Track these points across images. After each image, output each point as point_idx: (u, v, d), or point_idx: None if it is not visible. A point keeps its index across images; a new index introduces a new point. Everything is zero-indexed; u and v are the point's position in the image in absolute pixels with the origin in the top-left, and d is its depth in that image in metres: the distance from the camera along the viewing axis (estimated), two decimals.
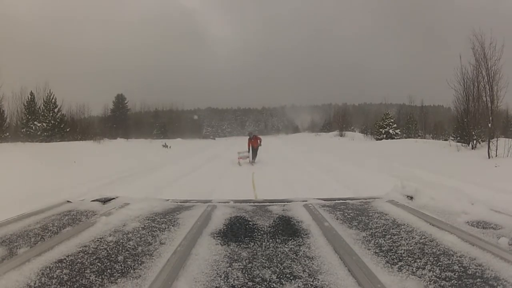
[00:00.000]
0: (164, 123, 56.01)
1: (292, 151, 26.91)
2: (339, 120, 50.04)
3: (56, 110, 29.11)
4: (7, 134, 24.76)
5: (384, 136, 35.27)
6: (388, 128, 35.47)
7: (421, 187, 1.78)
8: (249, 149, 14.44)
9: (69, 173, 13.46)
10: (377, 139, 34.79)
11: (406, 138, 34.31)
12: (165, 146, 31.21)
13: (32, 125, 26.97)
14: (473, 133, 17.43)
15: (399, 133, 36.16)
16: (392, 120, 36.95)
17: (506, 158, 13.94)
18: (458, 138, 19.92)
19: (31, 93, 29.39)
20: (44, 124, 27.26)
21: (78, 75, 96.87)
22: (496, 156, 14.70)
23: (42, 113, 28.30)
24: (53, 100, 29.42)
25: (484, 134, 16.75)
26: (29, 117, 28.28)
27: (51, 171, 12.93)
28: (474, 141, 17.48)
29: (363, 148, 26.48)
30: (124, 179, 12.42)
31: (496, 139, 15.34)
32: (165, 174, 13.61)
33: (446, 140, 19.94)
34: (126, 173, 13.92)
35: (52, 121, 27.88)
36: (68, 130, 28.52)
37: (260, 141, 14.61)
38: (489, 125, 15.55)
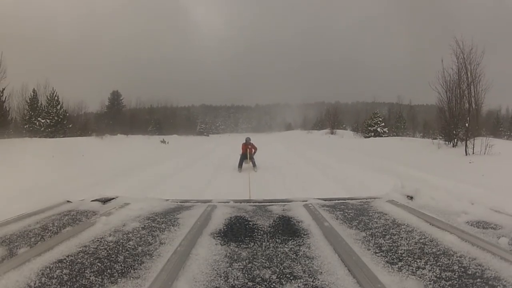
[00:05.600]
0: (159, 120, 56.35)
1: (281, 145, 29.22)
2: (330, 118, 51.58)
3: (58, 107, 30.16)
4: (10, 130, 25.59)
5: (372, 134, 36.61)
6: (376, 126, 37.00)
7: (421, 187, 1.82)
8: (245, 154, 12.61)
9: (86, 165, 14.49)
10: (366, 137, 36.13)
11: (394, 136, 35.83)
12: (163, 142, 32.33)
13: (36, 121, 27.98)
14: (454, 132, 18.65)
15: (387, 131, 37.73)
16: (380, 119, 38.48)
17: (481, 156, 14.97)
18: (443, 137, 21.22)
19: (34, 90, 30.46)
20: (48, 121, 28.34)
21: (71, 71, 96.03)
22: (473, 153, 15.97)
23: (46, 110, 29.34)
24: (56, 97, 30.47)
25: (464, 134, 18.10)
26: (32, 113, 29.26)
27: (67, 164, 13.94)
28: (455, 140, 18.74)
29: (350, 145, 27.97)
30: (139, 168, 13.70)
31: (473, 138, 16.67)
32: (173, 165, 14.90)
33: (435, 139, 21.20)
34: (139, 164, 15.28)
35: (56, 118, 28.96)
36: (70, 126, 29.62)
37: (255, 151, 13.09)
38: (466, 124, 16.87)
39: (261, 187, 9.14)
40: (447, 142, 19.57)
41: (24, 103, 29.96)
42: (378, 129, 36.81)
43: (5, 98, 25.45)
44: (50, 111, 29.23)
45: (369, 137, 35.68)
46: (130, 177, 11.20)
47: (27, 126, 28.15)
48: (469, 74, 17.94)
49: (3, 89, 24.73)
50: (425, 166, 13.03)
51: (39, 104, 30.65)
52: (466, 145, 16.42)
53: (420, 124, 45.18)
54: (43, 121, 28.13)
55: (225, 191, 8.46)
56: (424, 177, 10.13)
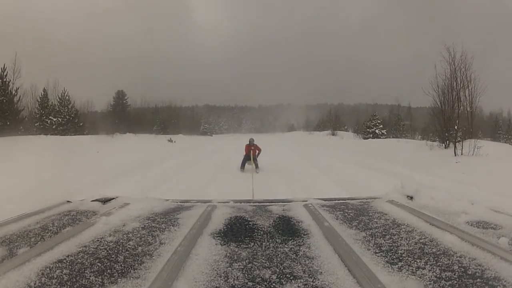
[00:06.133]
0: (164, 119, 57.10)
1: (283, 145, 31.18)
2: (331, 120, 52.77)
3: (70, 106, 31.59)
4: (21, 127, 26.79)
5: (371, 136, 37.80)
6: (374, 128, 38.26)
7: (421, 187, 1.82)
8: (248, 155, 12.49)
9: (102, 161, 16.05)
10: (364, 138, 37.23)
11: (393, 138, 36.87)
12: (170, 141, 33.79)
13: (47, 120, 29.39)
14: (446, 134, 19.60)
15: (385, 133, 38.92)
16: (378, 121, 39.78)
17: (469, 156, 16.01)
18: (437, 139, 22.07)
19: (44, 90, 31.93)
20: (60, 119, 29.71)
21: (74, 70, 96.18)
22: (461, 154, 16.92)
23: (58, 109, 30.81)
24: (67, 96, 31.92)
25: (459, 136, 19.17)
26: (42, 112, 30.59)
27: (84, 160, 15.52)
28: (447, 141, 19.64)
29: (348, 145, 29.75)
30: (151, 164, 15.20)
31: (462, 140, 17.65)
32: (180, 162, 16.08)
33: (434, 141, 22.17)
34: (151, 160, 16.70)
35: (67, 116, 30.33)
36: (81, 124, 31.04)
37: (259, 152, 12.95)
38: (456, 127, 17.89)
39: (262, 178, 10.26)
40: (440, 144, 20.44)
41: (34, 102, 31.35)
42: (377, 131, 37.98)
43: (20, 97, 26.80)
44: (62, 110, 30.65)
45: (367, 138, 36.76)
46: (143, 172, 12.34)
47: (37, 124, 29.43)
48: (458, 81, 19.02)
49: (17, 88, 26.09)
50: (413, 164, 14.09)
51: (49, 103, 31.93)
52: (455, 147, 17.48)
53: (421, 126, 46.00)
54: (54, 119, 29.57)
55: (228, 188, 9.14)
56: (408, 174, 11.32)
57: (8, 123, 23.76)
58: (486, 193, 7.57)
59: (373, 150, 22.57)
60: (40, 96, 31.82)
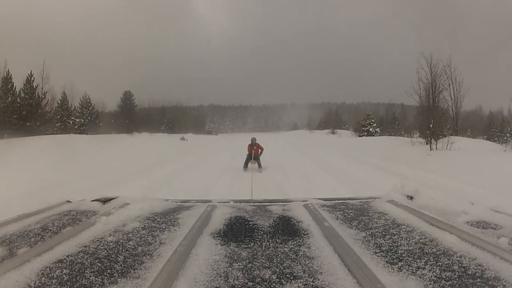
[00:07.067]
0: (171, 119, 58.90)
1: (284, 142, 34.09)
2: (332, 119, 55.49)
3: (90, 108, 34.60)
4: (42, 128, 29.45)
5: (365, 134, 40.61)
6: (369, 127, 41.12)
7: (421, 187, 1.81)
8: (251, 154, 13.09)
9: (135, 155, 18.97)
10: (359, 136, 40.06)
11: (388, 136, 39.49)
12: (183, 139, 36.71)
13: (69, 121, 32.33)
14: (427, 132, 22.09)
15: (379, 131, 41.63)
16: (373, 120, 42.63)
17: (443, 151, 18.43)
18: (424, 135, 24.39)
19: (64, 93, 34.88)
20: (82, 120, 32.66)
21: (79, 71, 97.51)
22: (436, 149, 19.45)
23: (80, 110, 33.74)
24: (88, 99, 34.90)
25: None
26: (63, 113, 33.50)
27: (119, 155, 18.63)
28: (428, 138, 22.07)
29: (342, 142, 33.35)
30: (176, 157, 18.22)
31: (436, 137, 20.25)
32: (196, 157, 18.64)
33: (425, 138, 24.42)
34: (174, 154, 19.76)
35: (89, 117, 33.28)
36: (101, 124, 34.08)
37: (261, 151, 13.53)
38: (430, 125, 20.49)
39: (263, 166, 12.84)
40: (423, 140, 22.84)
41: (52, 103, 34.03)
42: (370, 129, 40.77)
43: (48, 101, 29.71)
44: (84, 111, 33.59)
45: (362, 136, 39.55)
46: (180, 160, 16.17)
47: (58, 124, 32.31)
48: (436, 85, 21.71)
49: (45, 93, 29.03)
50: (389, 157, 16.72)
51: (69, 105, 34.91)
52: (430, 142, 20.08)
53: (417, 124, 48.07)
54: (77, 120, 32.48)
55: (235, 180, 10.83)
56: (379, 163, 13.73)
57: (38, 123, 26.63)
58: (430, 175, 9.91)
59: (362, 146, 25.46)
60: (60, 98, 34.71)
